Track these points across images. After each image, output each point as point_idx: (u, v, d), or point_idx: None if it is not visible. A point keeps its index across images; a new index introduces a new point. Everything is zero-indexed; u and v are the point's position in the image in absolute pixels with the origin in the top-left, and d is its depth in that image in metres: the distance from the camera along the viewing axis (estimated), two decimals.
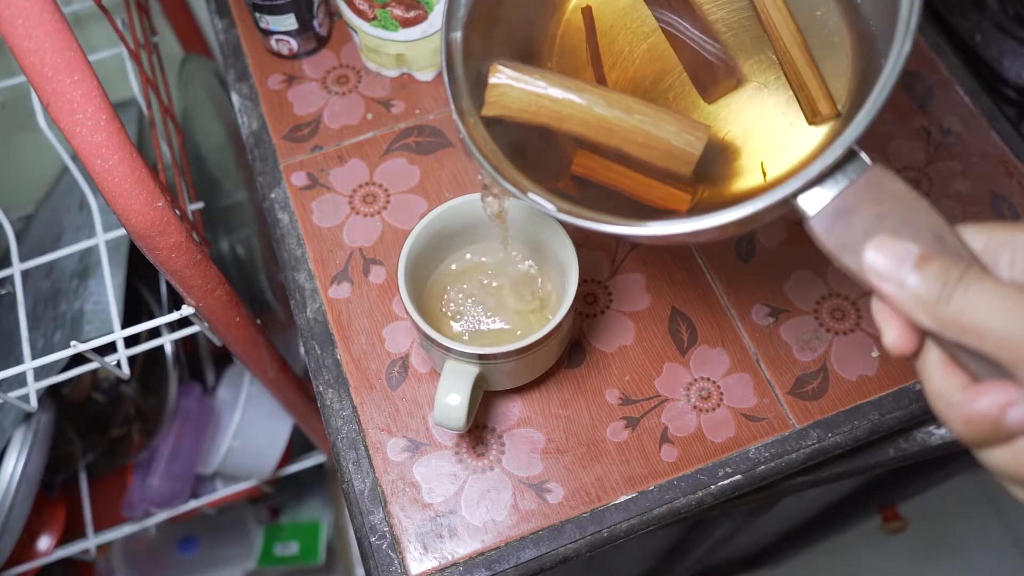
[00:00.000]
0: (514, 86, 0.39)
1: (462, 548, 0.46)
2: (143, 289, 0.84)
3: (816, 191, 0.30)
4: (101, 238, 0.65)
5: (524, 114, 0.40)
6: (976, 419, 0.26)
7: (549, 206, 0.35)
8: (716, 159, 0.39)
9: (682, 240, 0.33)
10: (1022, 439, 0.26)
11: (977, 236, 0.29)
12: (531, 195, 0.36)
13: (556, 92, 0.39)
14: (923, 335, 0.29)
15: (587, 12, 0.43)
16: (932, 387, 0.29)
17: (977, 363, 0.27)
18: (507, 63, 0.39)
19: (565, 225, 0.44)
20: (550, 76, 0.39)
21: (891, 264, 0.28)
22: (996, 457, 0.27)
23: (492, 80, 0.39)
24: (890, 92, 0.31)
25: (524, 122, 0.39)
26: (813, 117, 0.38)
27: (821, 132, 0.37)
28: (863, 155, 0.30)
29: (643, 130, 0.39)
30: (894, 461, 0.57)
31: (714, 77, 0.40)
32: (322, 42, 0.62)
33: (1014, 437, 0.26)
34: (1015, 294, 0.25)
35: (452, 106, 0.38)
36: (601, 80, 0.42)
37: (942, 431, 0.56)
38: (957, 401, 0.27)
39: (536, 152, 0.40)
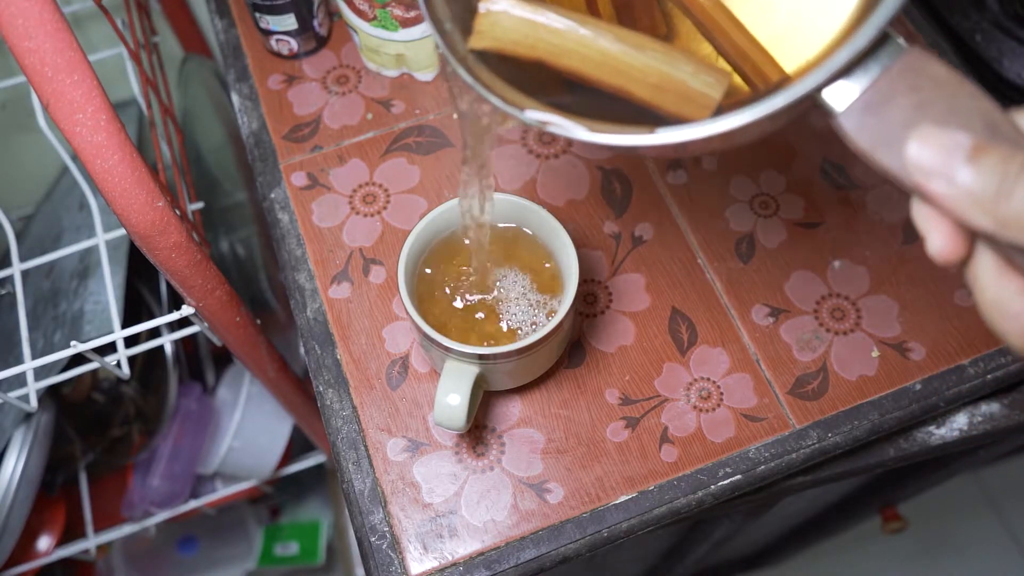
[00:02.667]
0: (508, 14, 0.34)
1: (462, 548, 0.46)
2: (143, 289, 0.84)
3: (844, 83, 0.26)
4: (101, 238, 0.65)
5: (518, 47, 0.35)
6: None
7: (562, 121, 0.31)
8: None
9: (701, 147, 0.30)
10: None
11: None
12: (530, 113, 0.31)
13: (557, 21, 0.34)
14: (973, 238, 0.26)
15: None
16: (986, 297, 0.26)
17: None
18: None
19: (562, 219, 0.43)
20: (549, 4, 0.34)
21: (939, 157, 0.24)
22: None
23: (483, 7, 0.34)
24: None
25: (516, 56, 0.35)
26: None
27: (843, 18, 0.31)
28: (897, 38, 0.26)
29: (656, 69, 0.34)
30: (894, 461, 0.57)
31: None
32: (322, 42, 0.62)
33: None
34: None
35: (433, 29, 0.33)
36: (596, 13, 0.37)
37: (942, 431, 0.56)
38: (1017, 310, 0.25)
39: (516, 63, 0.35)
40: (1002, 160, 0.23)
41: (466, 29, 0.34)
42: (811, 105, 0.27)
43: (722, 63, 0.35)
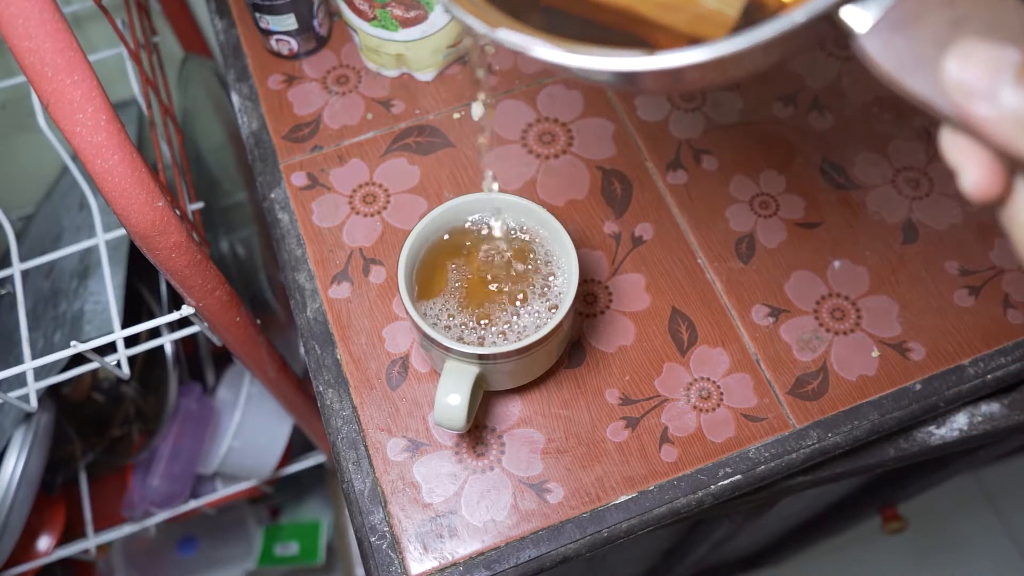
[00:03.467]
0: None
1: (462, 548, 0.46)
2: (143, 289, 0.84)
3: (866, 0, 0.23)
4: (101, 238, 0.65)
5: None
6: None
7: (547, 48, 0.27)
8: None
9: (706, 75, 0.27)
10: None
11: None
12: (502, 32, 0.28)
13: None
14: (1014, 172, 0.23)
15: None
16: None
17: None
18: None
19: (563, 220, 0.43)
20: None
21: (983, 76, 0.21)
22: None
23: None
24: None
25: None
26: None
27: None
28: None
29: None
30: (894, 461, 0.57)
31: None
32: (322, 42, 0.62)
33: None
34: None
35: None
36: None
37: (942, 431, 0.56)
38: None
39: None
40: None
41: None
42: (829, 26, 0.24)
43: None
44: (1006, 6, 0.23)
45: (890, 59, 0.23)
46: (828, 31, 0.24)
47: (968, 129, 0.22)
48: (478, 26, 0.29)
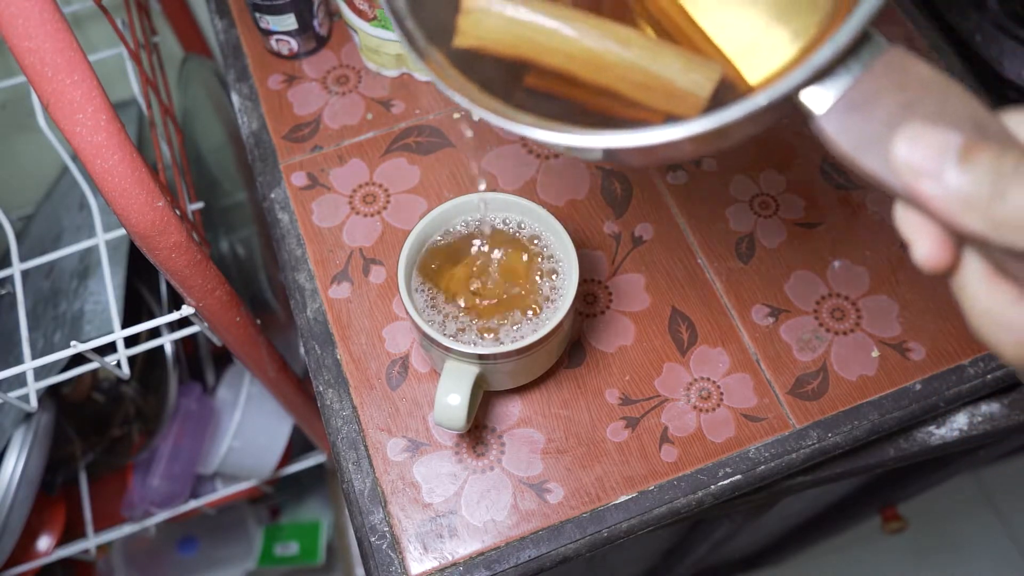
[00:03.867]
0: (491, 11, 0.34)
1: (462, 548, 0.46)
2: (143, 289, 0.84)
3: (825, 84, 0.26)
4: (101, 238, 0.65)
5: (501, 45, 0.34)
6: None
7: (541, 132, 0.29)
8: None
9: (674, 152, 0.29)
10: None
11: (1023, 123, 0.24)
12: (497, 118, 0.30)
13: (540, 20, 0.33)
14: (962, 244, 0.25)
15: None
16: (977, 307, 0.25)
17: None
18: None
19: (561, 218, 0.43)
20: (532, 1, 0.33)
21: (929, 157, 0.23)
22: None
23: (466, 4, 0.34)
24: None
25: (499, 54, 0.34)
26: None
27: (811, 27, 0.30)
28: (879, 36, 0.26)
29: (641, 67, 0.33)
30: (894, 461, 0.57)
31: None
32: (322, 42, 0.62)
33: None
34: None
35: (408, 46, 0.33)
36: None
37: (942, 431, 0.56)
38: (1010, 320, 0.24)
39: (481, 63, 0.34)
40: (995, 159, 0.22)
41: (439, 27, 0.34)
42: (790, 107, 0.26)
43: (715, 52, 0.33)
44: (952, 93, 0.24)
45: (846, 139, 0.25)
46: (790, 111, 0.26)
47: (917, 205, 0.24)
48: (479, 111, 0.31)
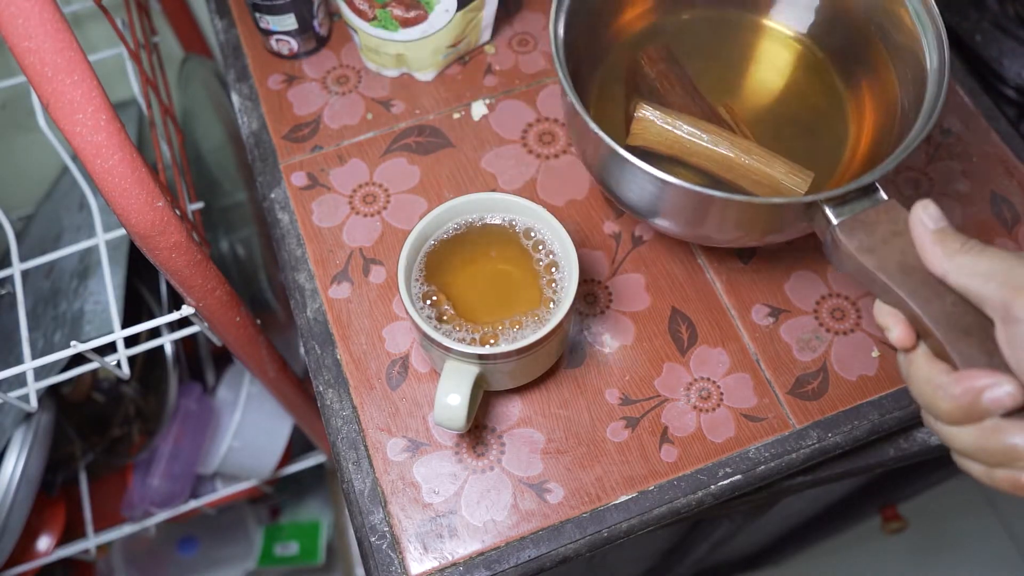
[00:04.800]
0: (656, 123, 0.47)
1: (462, 548, 0.46)
2: (143, 289, 0.84)
3: (843, 206, 0.39)
4: (101, 238, 0.65)
5: (659, 146, 0.48)
6: (960, 397, 0.32)
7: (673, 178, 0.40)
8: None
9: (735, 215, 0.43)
10: (989, 419, 0.31)
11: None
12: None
13: (688, 132, 0.47)
14: (917, 334, 0.35)
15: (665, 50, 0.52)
16: (921, 374, 0.34)
17: (959, 354, 0.33)
18: (650, 103, 0.47)
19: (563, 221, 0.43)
20: (684, 117, 0.47)
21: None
22: (964, 435, 0.32)
23: (637, 115, 0.47)
24: (911, 152, 0.41)
25: (656, 151, 0.48)
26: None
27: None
28: (881, 192, 0.39)
29: (757, 168, 0.47)
30: (894, 461, 0.57)
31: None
32: (322, 42, 0.62)
33: (983, 417, 0.31)
34: (1007, 253, 0.32)
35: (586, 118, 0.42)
36: (709, 109, 0.50)
37: None
38: (942, 383, 0.33)
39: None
40: (956, 237, 0.35)
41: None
42: (818, 211, 0.39)
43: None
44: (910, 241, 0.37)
45: (851, 243, 0.37)
46: (809, 224, 0.41)
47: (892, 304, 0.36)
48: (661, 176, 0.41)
